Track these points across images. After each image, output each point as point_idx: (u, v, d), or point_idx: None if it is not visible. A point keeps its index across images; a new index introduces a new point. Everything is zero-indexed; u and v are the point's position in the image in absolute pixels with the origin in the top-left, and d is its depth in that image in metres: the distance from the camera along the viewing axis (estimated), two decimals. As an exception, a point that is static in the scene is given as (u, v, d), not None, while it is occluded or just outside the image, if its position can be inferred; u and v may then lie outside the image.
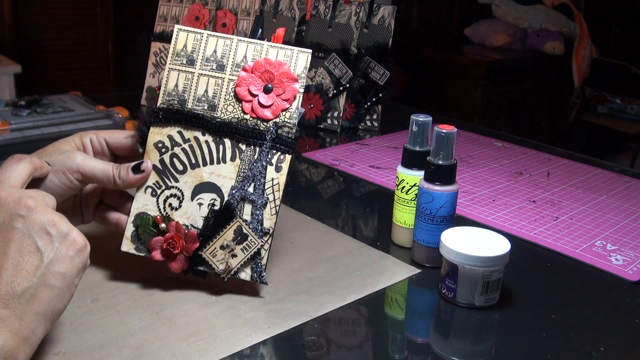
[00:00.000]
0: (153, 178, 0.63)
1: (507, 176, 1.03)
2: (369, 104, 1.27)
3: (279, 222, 0.82)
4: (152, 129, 0.63)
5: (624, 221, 0.87)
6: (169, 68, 0.64)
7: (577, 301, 0.67)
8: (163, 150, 0.63)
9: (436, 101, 3.22)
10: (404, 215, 0.75)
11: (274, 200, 0.62)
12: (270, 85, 0.62)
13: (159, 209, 0.62)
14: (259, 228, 0.61)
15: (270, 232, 0.61)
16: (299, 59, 0.64)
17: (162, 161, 0.63)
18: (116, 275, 0.65)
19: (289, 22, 1.26)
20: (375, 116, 1.28)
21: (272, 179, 0.62)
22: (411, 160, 0.73)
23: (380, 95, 1.26)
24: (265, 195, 0.62)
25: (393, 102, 1.52)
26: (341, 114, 1.26)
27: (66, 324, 0.56)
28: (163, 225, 0.62)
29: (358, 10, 1.24)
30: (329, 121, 1.26)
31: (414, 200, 0.73)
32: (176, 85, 0.64)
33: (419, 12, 3.39)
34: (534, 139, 1.38)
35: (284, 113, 0.63)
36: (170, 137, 0.63)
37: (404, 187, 0.74)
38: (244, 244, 0.61)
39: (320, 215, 0.85)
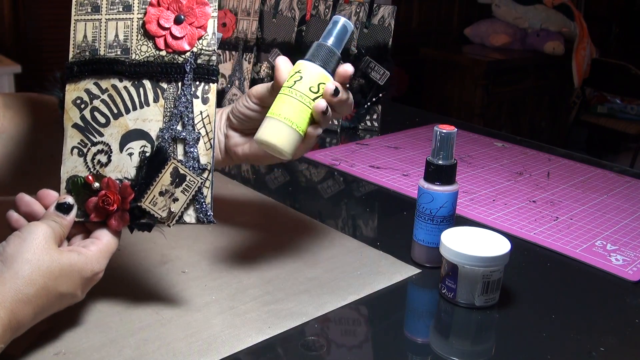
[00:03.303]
0: (77, 137, 0.60)
1: (507, 176, 1.03)
2: (369, 104, 1.27)
3: (280, 222, 0.82)
4: (67, 87, 0.60)
5: (624, 221, 0.87)
6: (74, 20, 0.61)
7: (577, 301, 0.67)
8: (82, 106, 0.60)
9: (436, 101, 3.21)
10: (288, 108, 0.60)
11: (207, 134, 0.59)
12: (181, 16, 0.60)
13: (89, 168, 0.59)
14: (196, 166, 0.58)
15: (209, 168, 0.58)
16: None
17: (82, 118, 0.60)
18: (116, 274, 0.66)
19: (289, 22, 1.26)
20: (375, 116, 1.28)
21: (201, 112, 0.59)
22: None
23: (380, 95, 1.26)
24: (196, 130, 0.59)
25: (393, 102, 1.52)
26: (341, 114, 1.25)
27: (66, 324, 0.56)
28: (96, 184, 0.58)
29: (358, 10, 1.24)
30: (329, 121, 1.26)
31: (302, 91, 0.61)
32: (85, 36, 0.61)
33: (419, 12, 3.38)
34: (534, 139, 1.38)
35: (200, 41, 0.60)
36: (87, 91, 0.60)
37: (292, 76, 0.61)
38: (184, 185, 0.57)
39: (320, 215, 0.85)
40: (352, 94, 1.32)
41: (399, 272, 0.70)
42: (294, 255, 0.73)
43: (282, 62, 0.63)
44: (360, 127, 1.28)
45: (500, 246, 0.64)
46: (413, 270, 0.71)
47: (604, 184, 1.02)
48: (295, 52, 1.26)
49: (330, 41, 0.63)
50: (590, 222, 0.87)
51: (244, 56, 1.30)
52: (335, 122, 1.26)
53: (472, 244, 0.64)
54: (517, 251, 0.75)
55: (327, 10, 1.26)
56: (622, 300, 0.68)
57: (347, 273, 0.69)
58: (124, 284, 0.64)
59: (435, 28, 3.49)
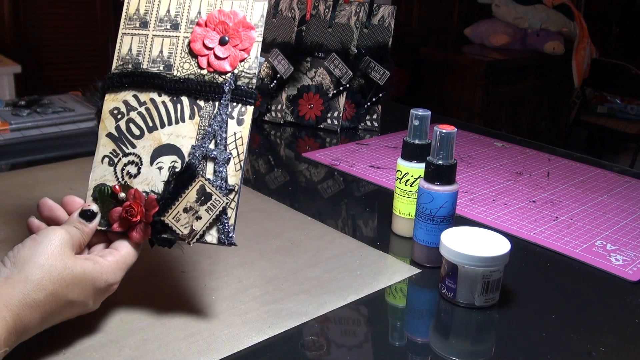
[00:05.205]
0: (109, 146, 0.60)
1: (507, 176, 1.03)
2: (369, 104, 1.27)
3: (280, 222, 0.82)
4: (107, 97, 0.61)
5: (624, 221, 0.87)
6: (122, 33, 0.62)
7: (577, 301, 0.67)
8: (119, 116, 0.61)
9: (436, 101, 3.21)
10: (408, 207, 0.78)
11: (238, 155, 0.59)
12: (226, 37, 0.60)
13: (117, 178, 0.59)
14: (224, 186, 0.58)
15: (236, 190, 0.58)
16: (254, 8, 0.61)
17: (117, 128, 0.60)
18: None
19: (289, 22, 1.26)
20: (375, 116, 1.28)
21: (235, 133, 0.59)
22: (413, 153, 0.76)
23: (380, 95, 1.26)
24: (227, 150, 0.58)
25: (393, 102, 1.52)
26: (341, 114, 1.26)
27: (66, 324, 0.56)
28: (122, 194, 0.58)
29: (358, 10, 1.24)
30: (329, 121, 1.26)
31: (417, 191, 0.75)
32: (130, 50, 0.62)
33: (419, 12, 3.38)
34: (534, 139, 1.38)
35: (242, 64, 0.60)
36: (125, 102, 0.61)
37: (408, 179, 0.76)
38: (209, 204, 0.57)
39: (320, 215, 0.85)
40: (352, 94, 1.33)
41: (399, 272, 0.70)
42: (294, 255, 0.73)
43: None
44: (360, 127, 1.28)
45: (500, 246, 0.64)
46: (413, 270, 0.71)
47: (604, 184, 1.02)
48: (295, 52, 1.26)
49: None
50: (590, 222, 0.87)
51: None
52: (335, 122, 1.26)
53: (472, 244, 0.64)
54: (517, 251, 0.75)
55: (327, 10, 1.26)
56: (622, 300, 0.68)
57: (347, 273, 0.69)
58: (124, 283, 0.64)
59: (435, 28, 3.49)
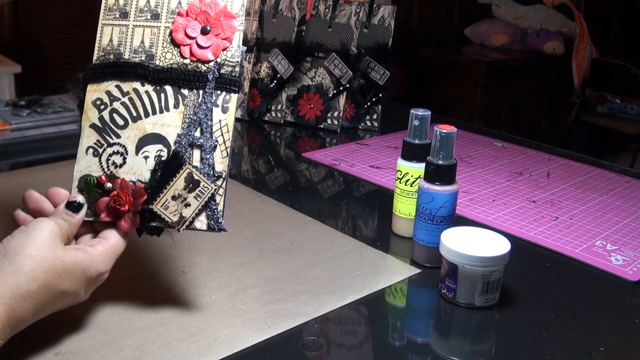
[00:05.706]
0: (93, 137, 0.60)
1: (507, 176, 1.03)
2: (369, 104, 1.27)
3: (280, 222, 0.82)
4: (89, 87, 0.61)
5: (624, 221, 0.87)
6: (102, 24, 0.62)
7: (577, 301, 0.67)
8: (102, 107, 0.61)
9: (436, 101, 3.21)
10: (408, 207, 0.78)
11: (224, 142, 0.59)
12: (208, 27, 0.61)
13: (103, 169, 0.60)
14: (211, 172, 0.58)
15: (223, 176, 0.58)
16: None
17: (101, 118, 0.61)
18: (116, 274, 0.65)
19: (289, 22, 1.26)
20: (375, 116, 1.28)
21: (220, 121, 0.59)
22: (413, 153, 0.76)
23: (380, 95, 1.26)
24: (214, 138, 0.59)
25: (393, 102, 1.52)
26: (341, 114, 1.26)
27: (66, 324, 0.56)
28: (109, 184, 0.58)
29: (358, 10, 1.24)
30: (329, 121, 1.26)
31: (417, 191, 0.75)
32: (111, 40, 0.62)
33: (419, 12, 3.38)
34: (534, 139, 1.38)
35: (224, 52, 0.61)
36: (108, 93, 0.61)
37: (408, 179, 0.77)
38: (197, 191, 0.57)
39: (320, 215, 0.85)
40: (352, 94, 1.33)
41: (399, 272, 0.70)
42: (294, 255, 0.73)
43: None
44: (360, 127, 1.28)
45: (500, 246, 0.64)
46: (413, 270, 0.71)
47: (604, 184, 1.02)
48: (295, 52, 1.26)
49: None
50: (590, 222, 0.87)
51: (244, 56, 1.30)
52: (335, 122, 1.26)
53: (472, 244, 0.64)
54: (517, 251, 0.75)
55: (327, 10, 1.26)
56: (622, 300, 0.68)
57: (347, 273, 0.69)
58: (124, 283, 0.64)
59: (435, 28, 3.49)
